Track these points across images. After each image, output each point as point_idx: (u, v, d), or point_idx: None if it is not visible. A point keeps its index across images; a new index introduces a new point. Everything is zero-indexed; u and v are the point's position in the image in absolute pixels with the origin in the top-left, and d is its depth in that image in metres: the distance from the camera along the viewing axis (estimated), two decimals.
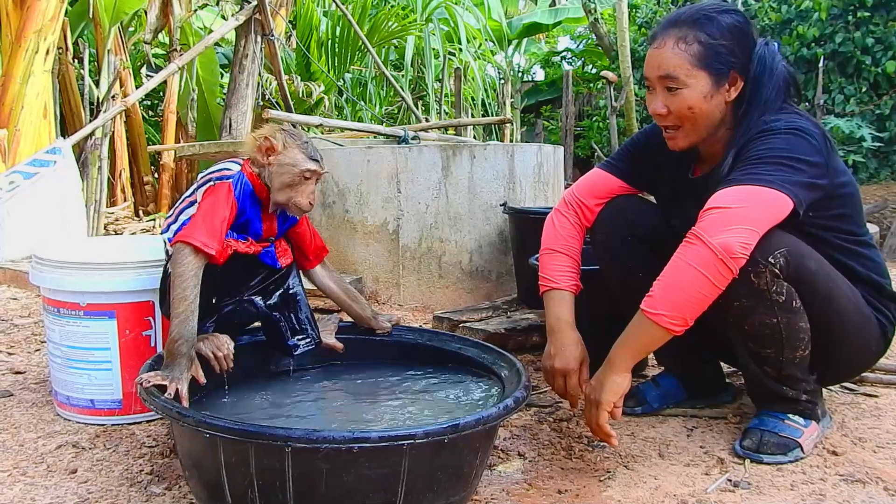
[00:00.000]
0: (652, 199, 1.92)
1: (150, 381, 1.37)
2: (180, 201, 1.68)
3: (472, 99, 8.92)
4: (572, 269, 1.77)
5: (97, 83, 6.35)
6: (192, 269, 1.48)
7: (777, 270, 1.50)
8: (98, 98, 6.07)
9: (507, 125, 7.73)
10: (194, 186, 1.66)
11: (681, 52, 1.59)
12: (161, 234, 1.67)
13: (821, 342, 1.59)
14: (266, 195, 1.66)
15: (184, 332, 1.44)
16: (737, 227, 1.41)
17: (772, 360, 1.59)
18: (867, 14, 6.76)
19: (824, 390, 1.79)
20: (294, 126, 5.81)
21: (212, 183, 1.62)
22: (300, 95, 6.55)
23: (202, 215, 1.55)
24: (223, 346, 1.59)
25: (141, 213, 6.84)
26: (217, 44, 7.04)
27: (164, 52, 7.46)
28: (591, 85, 11.11)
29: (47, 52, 4.74)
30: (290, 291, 1.76)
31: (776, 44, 1.66)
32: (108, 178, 6.18)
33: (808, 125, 1.55)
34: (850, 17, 6.87)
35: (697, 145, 1.70)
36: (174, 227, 1.63)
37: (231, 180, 1.61)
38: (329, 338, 1.82)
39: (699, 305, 1.43)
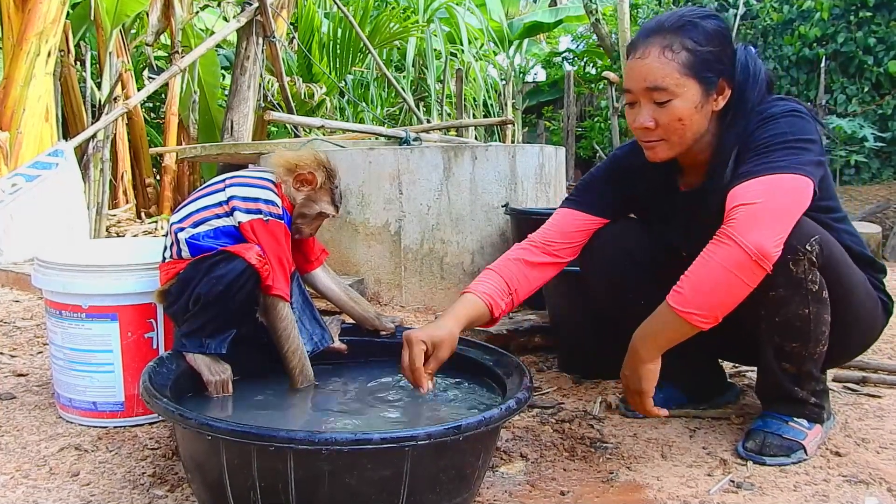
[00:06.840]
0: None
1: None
2: (201, 206, 1.67)
3: (474, 100, 8.93)
4: (495, 285, 1.66)
5: (99, 85, 6.36)
6: (292, 318, 1.64)
7: (814, 258, 1.46)
8: (100, 100, 6.09)
9: (509, 126, 7.74)
10: (223, 197, 1.65)
11: (668, 61, 1.50)
12: (175, 231, 1.66)
13: (835, 330, 1.56)
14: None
15: (309, 372, 1.67)
16: (768, 223, 1.37)
17: (794, 356, 1.56)
18: (869, 14, 6.76)
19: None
20: (296, 128, 5.84)
21: (263, 217, 1.63)
22: (302, 97, 6.57)
23: (276, 261, 1.61)
24: (223, 372, 1.63)
25: (143, 215, 6.85)
26: (219, 46, 7.05)
27: (166, 55, 7.47)
28: (593, 85, 11.13)
29: (49, 55, 4.75)
30: (296, 295, 1.76)
31: (753, 46, 1.62)
32: (110, 181, 6.19)
33: (799, 105, 1.53)
34: (851, 17, 6.86)
35: (677, 157, 1.63)
36: (200, 233, 1.63)
37: (284, 221, 1.66)
38: (333, 339, 1.82)
39: (731, 304, 1.40)
